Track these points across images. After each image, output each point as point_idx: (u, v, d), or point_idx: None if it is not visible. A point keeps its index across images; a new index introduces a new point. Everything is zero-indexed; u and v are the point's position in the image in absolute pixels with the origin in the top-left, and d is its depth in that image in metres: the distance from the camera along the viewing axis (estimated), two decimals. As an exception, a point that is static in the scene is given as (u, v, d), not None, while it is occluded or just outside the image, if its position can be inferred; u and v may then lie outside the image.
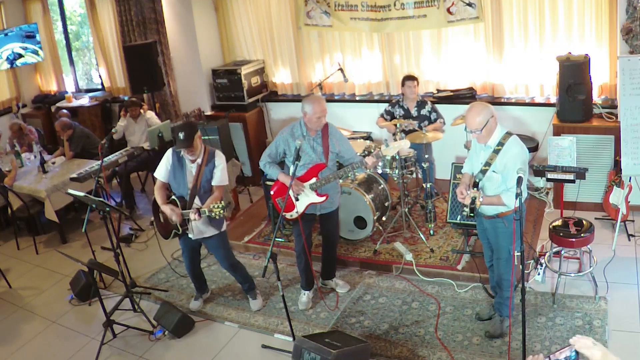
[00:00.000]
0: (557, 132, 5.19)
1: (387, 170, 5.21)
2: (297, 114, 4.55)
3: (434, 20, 5.82)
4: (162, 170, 4.19)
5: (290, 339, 3.85)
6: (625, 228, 4.89)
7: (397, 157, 5.02)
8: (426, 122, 5.55)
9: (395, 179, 5.24)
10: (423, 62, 6.29)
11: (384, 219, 5.32)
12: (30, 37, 8.20)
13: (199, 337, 4.33)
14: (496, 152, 3.44)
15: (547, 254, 4.45)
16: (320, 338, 3.55)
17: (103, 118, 8.33)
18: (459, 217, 4.77)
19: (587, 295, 4.14)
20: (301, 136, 4.09)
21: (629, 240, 4.82)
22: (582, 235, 4.03)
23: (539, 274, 4.37)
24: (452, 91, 6.12)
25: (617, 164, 4.98)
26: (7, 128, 7.33)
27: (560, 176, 4.38)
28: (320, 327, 4.21)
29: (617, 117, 5.04)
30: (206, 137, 5.81)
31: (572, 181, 4.38)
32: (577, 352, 1.84)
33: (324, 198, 4.18)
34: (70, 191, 4.64)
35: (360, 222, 5.11)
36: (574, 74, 5.00)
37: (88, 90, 8.87)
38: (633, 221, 4.96)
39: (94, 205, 4.41)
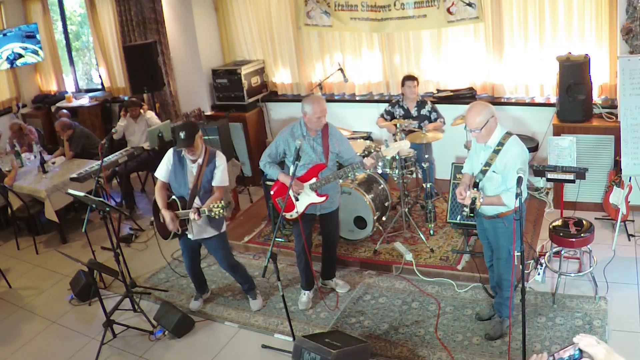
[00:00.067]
0: (557, 132, 5.19)
1: (387, 170, 5.20)
2: (297, 114, 4.55)
3: (434, 20, 5.82)
4: (163, 170, 4.19)
5: (290, 339, 3.85)
6: (625, 228, 4.89)
7: (397, 157, 5.02)
8: (426, 122, 5.54)
9: (395, 179, 5.24)
10: (423, 62, 6.28)
11: (384, 219, 5.32)
12: (30, 37, 8.20)
13: (199, 337, 4.33)
14: (496, 152, 3.44)
15: (547, 254, 4.45)
16: (320, 338, 3.55)
17: (103, 118, 8.33)
18: (459, 217, 4.77)
19: (587, 295, 4.14)
20: (301, 136, 4.09)
21: (629, 240, 4.82)
22: (582, 235, 4.03)
23: (539, 274, 4.37)
24: (452, 91, 6.12)
25: (617, 164, 4.98)
26: (7, 128, 7.32)
27: (560, 176, 4.38)
28: (320, 327, 4.21)
29: (617, 117, 5.04)
30: (206, 137, 5.81)
31: (572, 181, 4.38)
32: (581, 351, 1.84)
33: (324, 198, 4.18)
34: (70, 191, 4.65)
35: (360, 222, 5.11)
36: (574, 74, 5.00)
37: (88, 90, 8.87)
38: (633, 221, 4.96)
39: (94, 205, 4.41)
